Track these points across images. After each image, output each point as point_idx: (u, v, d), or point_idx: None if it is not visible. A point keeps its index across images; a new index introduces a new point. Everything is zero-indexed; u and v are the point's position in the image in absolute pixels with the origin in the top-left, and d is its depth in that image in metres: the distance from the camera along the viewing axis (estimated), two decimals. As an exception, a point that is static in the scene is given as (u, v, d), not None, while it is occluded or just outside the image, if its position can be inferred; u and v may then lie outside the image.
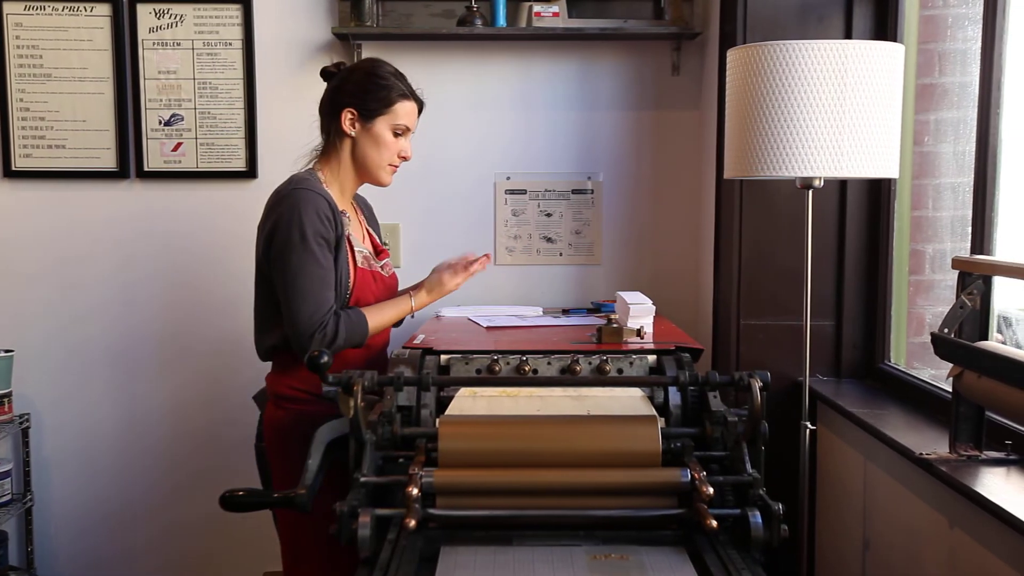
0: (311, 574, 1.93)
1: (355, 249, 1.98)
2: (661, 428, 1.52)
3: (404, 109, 2.00)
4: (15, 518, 2.93)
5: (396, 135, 2.00)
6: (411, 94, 2.02)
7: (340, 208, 1.96)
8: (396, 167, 2.05)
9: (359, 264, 1.98)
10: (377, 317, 1.96)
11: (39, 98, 2.87)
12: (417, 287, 2.08)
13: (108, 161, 2.89)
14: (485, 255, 2.11)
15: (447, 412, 1.59)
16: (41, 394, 2.96)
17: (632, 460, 1.40)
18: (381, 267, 2.08)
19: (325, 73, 2.06)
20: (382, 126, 1.98)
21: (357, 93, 1.97)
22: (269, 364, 2.05)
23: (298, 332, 1.85)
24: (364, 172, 2.03)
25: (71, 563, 3.02)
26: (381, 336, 2.07)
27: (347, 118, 1.98)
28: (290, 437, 1.91)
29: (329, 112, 2.01)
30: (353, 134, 1.99)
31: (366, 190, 2.13)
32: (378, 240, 2.17)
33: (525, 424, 1.48)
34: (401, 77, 2.02)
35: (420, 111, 2.06)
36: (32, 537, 2.94)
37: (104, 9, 2.84)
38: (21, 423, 2.89)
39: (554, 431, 1.45)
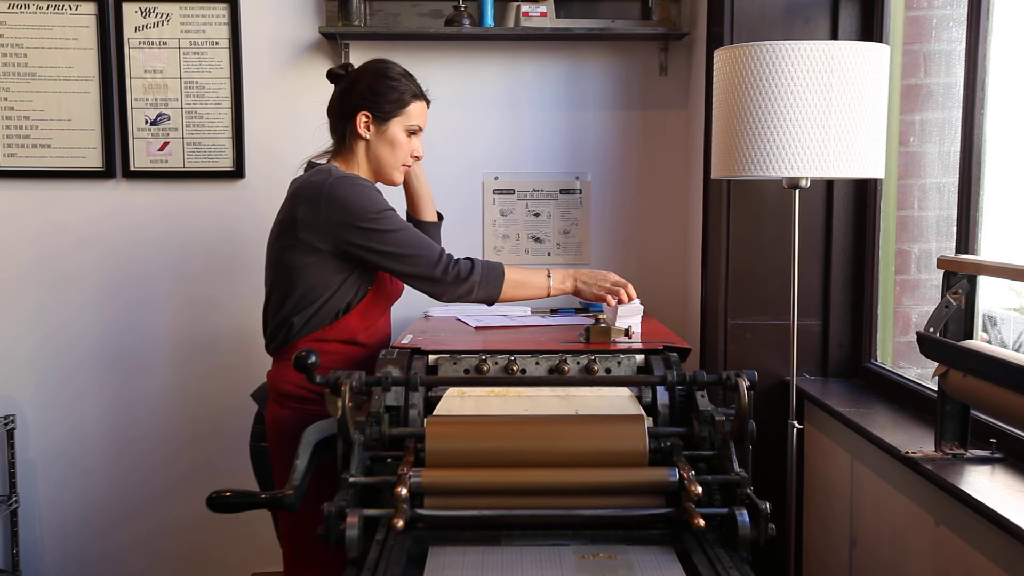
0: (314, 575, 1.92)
1: None
2: (649, 427, 1.52)
3: (417, 109, 2.01)
4: (0, 520, 2.91)
5: (409, 135, 2.01)
6: (422, 94, 2.03)
7: None
8: (409, 167, 2.06)
9: None
10: (515, 271, 1.98)
11: (24, 97, 2.85)
12: (557, 270, 2.06)
13: (94, 161, 2.88)
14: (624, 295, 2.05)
15: (435, 412, 1.59)
16: (26, 395, 2.94)
17: (618, 459, 1.40)
18: None
19: (332, 75, 2.06)
20: (396, 128, 1.99)
21: (370, 96, 1.97)
22: (261, 363, 2.02)
23: (430, 279, 1.90)
24: (379, 173, 2.04)
25: (57, 565, 3.00)
26: (383, 333, 2.06)
27: (362, 121, 1.98)
28: (293, 437, 1.86)
29: (341, 115, 2.01)
30: (368, 137, 1.99)
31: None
32: None
33: (512, 424, 1.48)
34: (410, 77, 2.03)
35: (428, 108, 2.06)
36: (18, 539, 2.92)
37: (89, 8, 2.82)
38: (6, 424, 2.87)
39: (541, 430, 1.45)
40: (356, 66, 2.06)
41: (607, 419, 1.50)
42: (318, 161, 2.03)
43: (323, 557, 1.88)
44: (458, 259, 1.93)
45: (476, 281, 1.93)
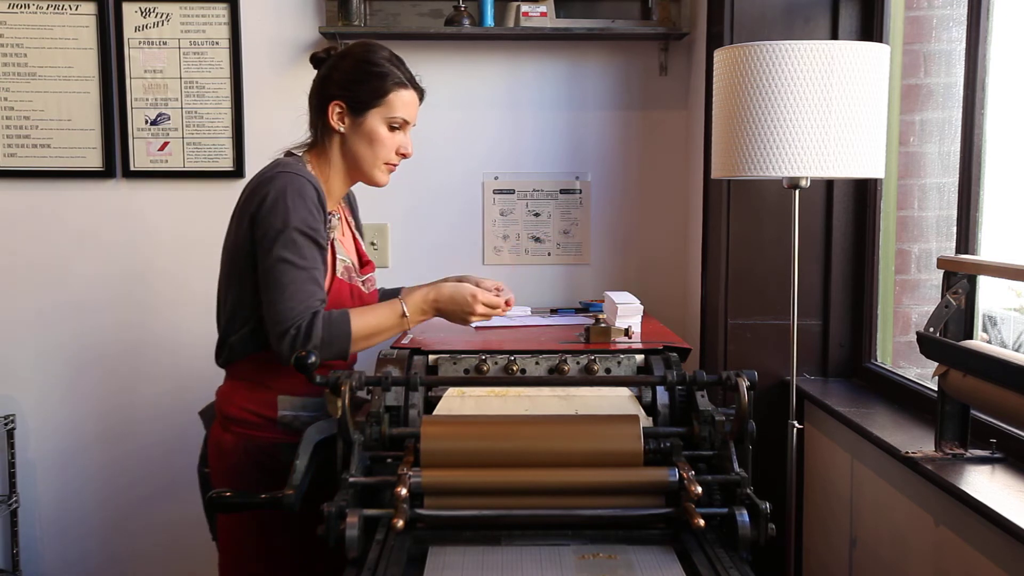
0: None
1: (337, 256, 1.79)
2: (649, 427, 1.53)
3: (401, 99, 1.76)
4: (0, 520, 2.91)
5: (392, 129, 1.77)
6: (409, 82, 1.78)
7: (328, 209, 1.75)
8: (394, 165, 1.82)
9: (338, 273, 1.77)
10: (363, 319, 1.69)
11: (24, 97, 2.85)
12: (412, 291, 1.79)
13: (94, 160, 2.88)
14: (508, 301, 1.83)
15: (435, 412, 1.59)
16: (26, 395, 2.94)
17: (614, 459, 1.40)
18: (362, 282, 1.86)
19: (315, 59, 1.83)
20: (375, 120, 1.75)
21: (346, 83, 1.74)
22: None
23: (273, 330, 1.63)
24: (356, 172, 1.81)
25: (57, 565, 3.00)
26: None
27: (335, 112, 1.75)
28: (235, 465, 1.74)
29: (317, 104, 1.79)
30: (342, 130, 1.76)
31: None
32: (362, 244, 1.97)
33: (506, 424, 1.48)
34: (398, 63, 1.78)
35: (421, 100, 1.83)
36: (18, 539, 2.92)
37: (89, 8, 2.82)
38: (6, 424, 2.87)
39: (536, 431, 1.45)
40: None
41: (602, 419, 1.50)
42: (295, 152, 1.83)
43: (260, 556, 1.77)
44: (301, 324, 1.62)
45: (316, 345, 1.62)
